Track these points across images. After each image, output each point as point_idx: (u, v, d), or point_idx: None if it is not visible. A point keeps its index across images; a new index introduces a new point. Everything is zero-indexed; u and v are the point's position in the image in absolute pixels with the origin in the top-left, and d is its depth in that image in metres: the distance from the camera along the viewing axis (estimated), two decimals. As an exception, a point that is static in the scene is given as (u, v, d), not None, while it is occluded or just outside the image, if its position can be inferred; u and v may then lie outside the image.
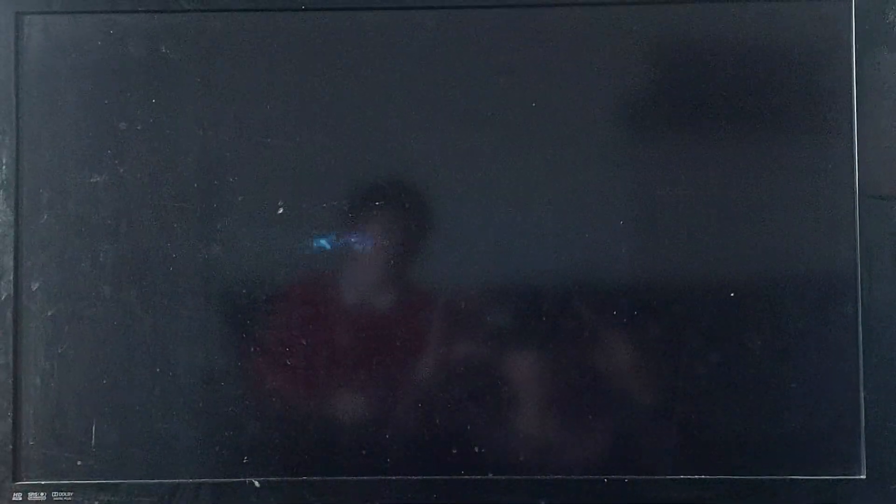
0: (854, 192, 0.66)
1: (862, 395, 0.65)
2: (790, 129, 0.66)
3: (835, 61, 0.66)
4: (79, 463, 0.66)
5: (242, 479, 0.66)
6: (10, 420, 0.66)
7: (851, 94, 0.66)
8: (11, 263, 0.67)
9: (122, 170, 0.67)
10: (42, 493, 0.66)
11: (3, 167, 0.67)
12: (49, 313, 0.67)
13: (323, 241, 0.65)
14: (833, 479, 0.65)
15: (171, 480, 0.66)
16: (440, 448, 0.66)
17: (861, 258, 0.65)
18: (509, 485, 0.66)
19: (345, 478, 0.66)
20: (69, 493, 0.66)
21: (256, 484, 0.66)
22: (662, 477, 0.65)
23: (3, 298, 0.67)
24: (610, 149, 0.67)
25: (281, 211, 0.67)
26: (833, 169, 0.66)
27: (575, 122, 0.67)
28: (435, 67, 0.67)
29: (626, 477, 0.65)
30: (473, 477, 0.66)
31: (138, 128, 0.67)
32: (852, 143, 0.66)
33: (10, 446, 0.66)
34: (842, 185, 0.66)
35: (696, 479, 0.65)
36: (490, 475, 0.66)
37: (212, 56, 0.67)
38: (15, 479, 0.66)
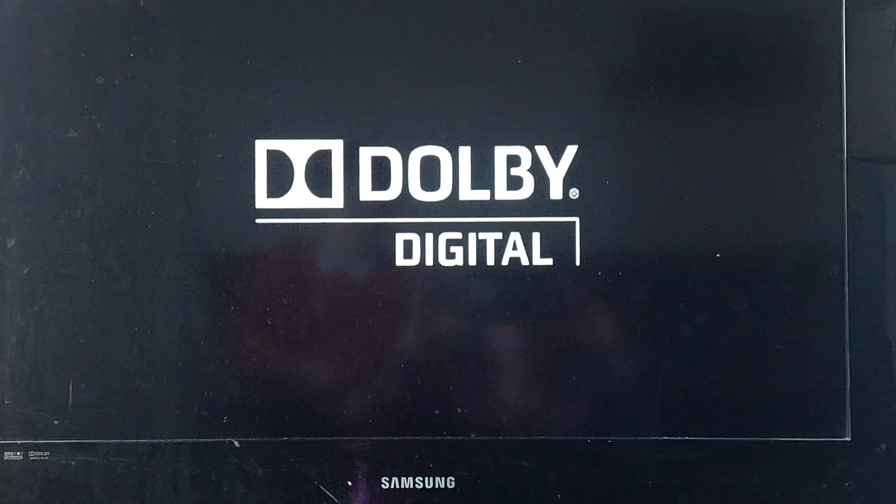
0: (842, 155, 0.65)
1: (847, 357, 0.65)
2: (777, 91, 0.66)
3: (823, 21, 0.66)
4: (56, 422, 0.66)
5: (222, 440, 0.66)
6: (-15, 379, 0.66)
7: (840, 55, 0.66)
8: (-14, 220, 0.66)
9: (99, 125, 0.66)
10: (19, 453, 0.65)
11: (-22, 122, 0.66)
12: (25, 270, 0.66)
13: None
14: (817, 441, 0.65)
15: (149, 440, 0.66)
16: (422, 409, 0.65)
17: (848, 220, 0.65)
18: (492, 446, 0.65)
19: (326, 438, 0.65)
20: (46, 453, 0.65)
21: (236, 444, 0.66)
22: (646, 438, 0.65)
23: (-22, 256, 0.66)
24: (595, 109, 0.66)
25: (262, 169, 0.66)
26: (821, 131, 0.66)
27: (560, 80, 0.66)
28: (424, 21, 0.66)
29: (609, 438, 0.65)
30: (456, 438, 0.65)
31: (116, 82, 0.66)
32: (840, 104, 0.65)
33: (-14, 406, 0.66)
34: (829, 147, 0.65)
35: (679, 440, 0.65)
36: (472, 436, 0.66)
37: (191, 9, 0.66)
38: (-9, 439, 0.66)
